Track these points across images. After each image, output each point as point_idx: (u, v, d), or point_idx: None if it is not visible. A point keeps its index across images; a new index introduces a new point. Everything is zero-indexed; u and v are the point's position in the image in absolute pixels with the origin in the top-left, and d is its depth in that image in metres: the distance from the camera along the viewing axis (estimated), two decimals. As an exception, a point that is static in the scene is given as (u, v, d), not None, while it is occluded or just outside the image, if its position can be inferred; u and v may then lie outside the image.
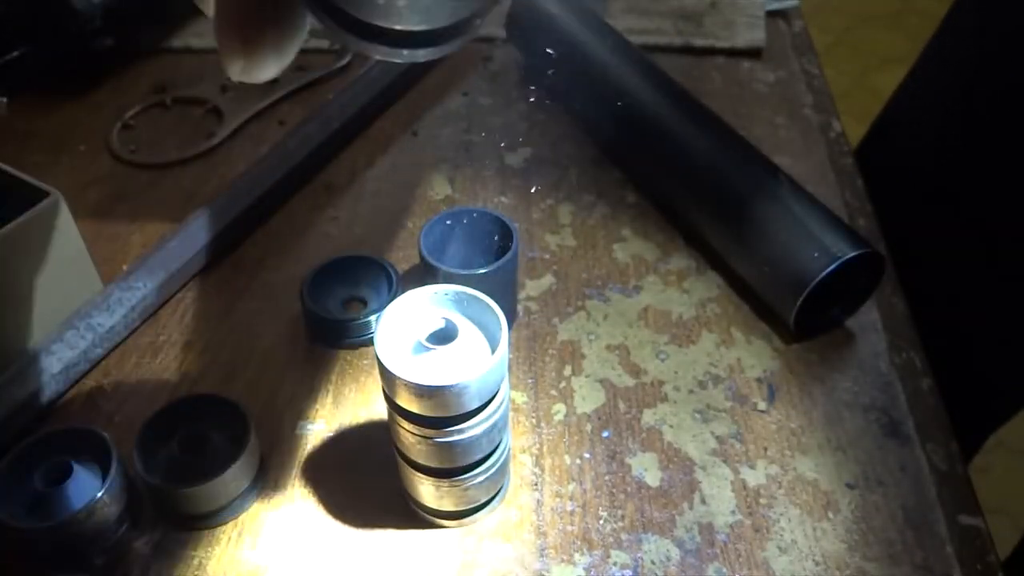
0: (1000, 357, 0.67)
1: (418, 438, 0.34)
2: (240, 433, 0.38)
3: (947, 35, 0.65)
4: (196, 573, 0.36)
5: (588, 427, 0.42)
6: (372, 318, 0.44)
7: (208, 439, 0.38)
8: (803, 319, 0.44)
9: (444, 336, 0.33)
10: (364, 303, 0.46)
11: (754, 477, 0.39)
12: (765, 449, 0.41)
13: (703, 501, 0.39)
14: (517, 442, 0.41)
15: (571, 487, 0.39)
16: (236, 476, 0.37)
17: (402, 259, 0.50)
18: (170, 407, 0.38)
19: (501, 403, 0.34)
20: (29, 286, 0.43)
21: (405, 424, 0.34)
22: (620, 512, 0.38)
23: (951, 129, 0.63)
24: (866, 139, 0.73)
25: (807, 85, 0.63)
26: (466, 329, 0.34)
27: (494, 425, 0.34)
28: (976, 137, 0.60)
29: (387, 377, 0.32)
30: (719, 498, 0.39)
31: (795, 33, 0.69)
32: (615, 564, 0.36)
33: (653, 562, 0.36)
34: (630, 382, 0.44)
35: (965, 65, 0.62)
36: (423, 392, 0.31)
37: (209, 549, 0.37)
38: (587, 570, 0.36)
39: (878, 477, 0.39)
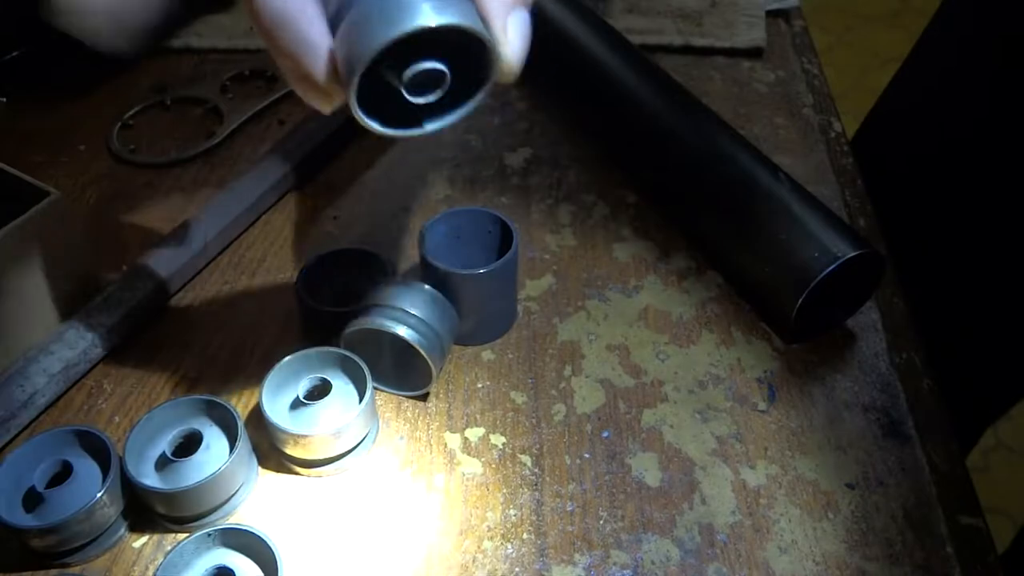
0: (1000, 356, 0.67)
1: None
2: (232, 435, 0.38)
3: (938, 28, 0.65)
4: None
5: (588, 427, 0.42)
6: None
7: (199, 440, 0.38)
8: (803, 319, 0.44)
9: (319, 392, 0.40)
10: (359, 297, 0.46)
11: (754, 477, 0.39)
12: (765, 449, 0.41)
13: (703, 501, 0.39)
14: (517, 442, 0.41)
15: (571, 487, 0.39)
16: (228, 476, 0.37)
17: (402, 259, 0.50)
18: (161, 407, 0.38)
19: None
20: (29, 286, 0.43)
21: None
22: (620, 512, 0.38)
23: (944, 124, 0.63)
24: (857, 134, 0.72)
25: (807, 85, 0.63)
26: (338, 382, 0.40)
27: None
28: (970, 133, 0.60)
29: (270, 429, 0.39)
30: (719, 498, 0.39)
31: (795, 33, 0.69)
32: (615, 564, 0.36)
33: (653, 562, 0.36)
34: (630, 382, 0.44)
35: (957, 58, 0.62)
36: (300, 439, 0.38)
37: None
38: (587, 570, 0.36)
39: (878, 477, 0.39)
